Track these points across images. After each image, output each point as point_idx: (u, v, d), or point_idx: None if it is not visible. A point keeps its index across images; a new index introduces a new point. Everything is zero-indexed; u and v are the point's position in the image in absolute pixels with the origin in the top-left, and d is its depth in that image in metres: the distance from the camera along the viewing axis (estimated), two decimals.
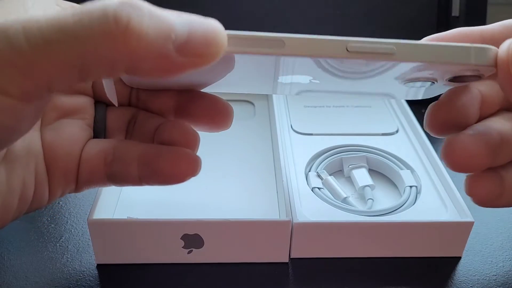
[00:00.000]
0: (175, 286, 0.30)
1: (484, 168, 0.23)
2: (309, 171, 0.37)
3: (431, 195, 0.35)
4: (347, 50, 0.18)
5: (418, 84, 0.21)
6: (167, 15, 0.17)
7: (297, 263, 0.32)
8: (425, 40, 0.24)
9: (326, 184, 0.36)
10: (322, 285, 0.30)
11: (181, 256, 0.31)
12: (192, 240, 0.30)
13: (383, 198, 0.36)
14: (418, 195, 0.35)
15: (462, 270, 0.32)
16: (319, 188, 0.35)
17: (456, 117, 0.23)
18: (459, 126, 0.23)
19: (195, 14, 0.18)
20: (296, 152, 0.38)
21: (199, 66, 0.17)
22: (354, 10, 0.52)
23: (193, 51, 0.17)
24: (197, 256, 0.31)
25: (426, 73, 0.20)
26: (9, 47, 0.15)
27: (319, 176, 0.36)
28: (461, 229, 0.31)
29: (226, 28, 0.18)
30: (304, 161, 0.37)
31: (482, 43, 0.21)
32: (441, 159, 0.23)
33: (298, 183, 0.35)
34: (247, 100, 0.48)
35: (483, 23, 0.51)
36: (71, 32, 0.15)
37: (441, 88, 0.23)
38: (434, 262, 0.32)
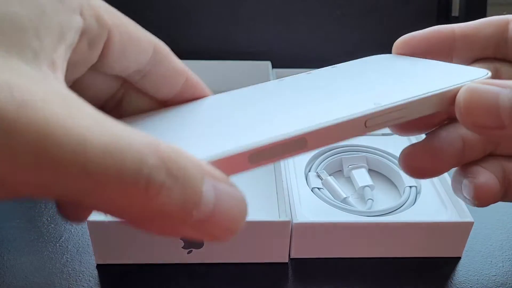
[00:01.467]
0: (175, 286, 0.30)
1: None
2: (309, 171, 0.37)
3: (430, 195, 0.35)
4: (366, 126, 0.17)
5: None
6: (195, 172, 0.13)
7: (297, 263, 0.32)
8: (401, 41, 0.24)
9: (325, 184, 0.36)
10: (322, 285, 0.30)
11: (181, 256, 0.31)
12: (192, 240, 0.30)
13: (383, 198, 0.36)
14: (418, 195, 0.35)
15: (462, 270, 0.32)
16: (318, 188, 0.35)
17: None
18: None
19: (224, 178, 0.14)
20: None
21: (208, 241, 0.14)
22: (353, 10, 0.52)
23: (209, 231, 0.13)
24: (197, 256, 0.31)
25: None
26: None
27: (318, 176, 0.36)
28: (461, 229, 0.31)
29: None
30: (303, 161, 0.37)
31: (453, 40, 0.22)
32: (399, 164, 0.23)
33: (298, 184, 0.35)
34: None
35: None
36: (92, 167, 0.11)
37: None
38: (434, 262, 0.32)
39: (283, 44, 0.52)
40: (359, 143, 0.39)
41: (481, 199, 0.21)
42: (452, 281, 0.31)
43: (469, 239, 0.32)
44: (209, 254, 0.31)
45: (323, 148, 0.39)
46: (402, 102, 0.17)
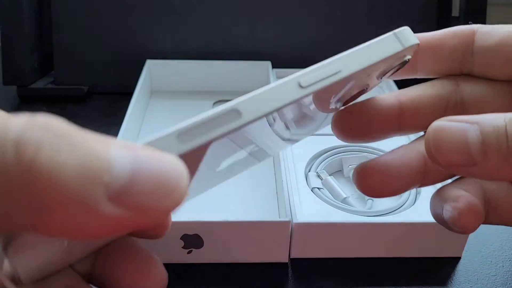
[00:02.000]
0: (174, 286, 0.30)
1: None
2: (309, 171, 0.37)
3: (430, 195, 0.34)
4: (301, 86, 0.16)
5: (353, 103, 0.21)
6: (100, 145, 0.11)
7: (297, 263, 0.32)
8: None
9: (326, 184, 0.36)
10: (322, 285, 0.30)
11: (181, 256, 0.31)
12: (192, 240, 0.30)
13: (383, 199, 0.36)
14: (418, 195, 0.35)
15: (462, 270, 0.32)
16: (318, 188, 0.35)
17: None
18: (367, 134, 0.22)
19: (150, 147, 0.13)
20: (296, 152, 0.38)
21: (143, 225, 0.12)
22: (353, 10, 0.52)
23: (134, 202, 0.11)
24: (197, 256, 0.31)
25: (362, 81, 0.20)
26: None
27: (319, 176, 0.36)
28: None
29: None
30: (303, 161, 0.37)
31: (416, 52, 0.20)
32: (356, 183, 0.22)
33: (297, 183, 0.35)
34: None
35: (483, 23, 0.51)
36: None
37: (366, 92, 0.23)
38: (433, 262, 0.32)
39: (283, 44, 0.52)
40: (360, 143, 0.39)
41: (466, 226, 0.19)
42: (452, 281, 0.31)
43: (469, 239, 0.32)
44: (209, 254, 0.31)
45: (323, 148, 0.39)
46: (334, 58, 0.18)
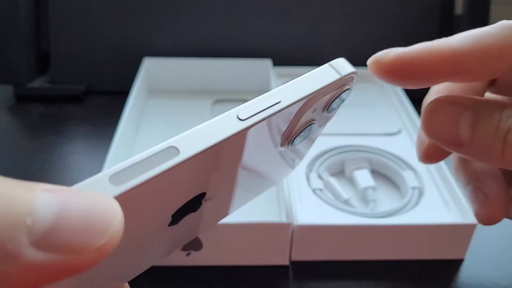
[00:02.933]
0: None
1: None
2: (310, 171, 0.36)
3: (433, 196, 0.34)
4: (239, 119, 0.16)
5: (301, 137, 0.20)
6: (24, 189, 0.11)
7: (298, 265, 0.31)
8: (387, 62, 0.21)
9: (327, 185, 0.35)
10: None
11: (180, 258, 0.30)
12: (191, 242, 0.30)
13: (385, 200, 0.35)
14: (420, 196, 0.34)
15: (465, 273, 0.31)
16: (320, 189, 0.34)
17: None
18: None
19: (78, 189, 0.12)
20: None
21: (76, 268, 0.11)
22: (356, 9, 0.51)
23: (62, 244, 0.10)
24: (196, 259, 0.31)
25: (307, 115, 0.19)
26: None
27: (320, 177, 0.36)
28: (464, 231, 0.31)
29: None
30: (305, 162, 0.37)
31: (455, 62, 0.19)
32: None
33: (298, 184, 0.34)
34: (247, 100, 0.48)
35: (486, 22, 0.50)
36: None
37: (318, 130, 0.22)
38: (436, 264, 0.32)
39: (284, 41, 0.51)
40: (361, 144, 0.39)
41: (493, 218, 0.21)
42: (455, 284, 0.31)
43: (472, 241, 0.32)
44: (208, 256, 0.30)
45: (324, 148, 0.38)
46: (274, 90, 0.17)
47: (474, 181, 0.21)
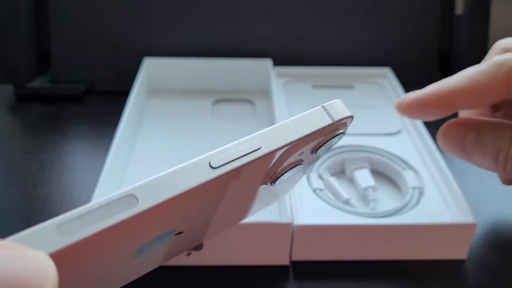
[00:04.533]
0: None
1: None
2: (311, 171, 0.36)
3: (434, 196, 0.34)
4: (211, 166, 0.15)
5: (285, 176, 0.19)
6: None
7: (298, 266, 0.31)
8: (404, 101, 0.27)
9: (327, 185, 0.35)
10: None
11: (180, 258, 0.30)
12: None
13: (386, 200, 0.35)
14: (421, 196, 0.34)
15: (466, 273, 0.31)
16: (320, 189, 0.34)
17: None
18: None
19: (17, 242, 0.11)
20: None
21: None
22: (356, 8, 0.51)
23: None
24: (196, 259, 0.30)
25: (293, 156, 0.18)
26: None
27: (320, 177, 0.36)
28: (465, 231, 0.31)
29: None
30: None
31: (454, 100, 0.25)
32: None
33: (299, 184, 0.34)
34: (247, 99, 0.48)
35: (487, 22, 0.50)
36: None
37: (306, 167, 0.21)
38: (437, 264, 0.32)
39: (284, 41, 0.51)
40: (362, 143, 0.39)
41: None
42: (456, 284, 0.31)
43: (473, 241, 0.32)
44: (209, 256, 0.30)
45: None
46: (256, 133, 0.16)
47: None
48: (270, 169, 0.18)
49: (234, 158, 0.15)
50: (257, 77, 0.49)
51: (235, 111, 0.47)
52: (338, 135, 0.18)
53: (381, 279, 0.31)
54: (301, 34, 0.52)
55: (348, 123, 0.18)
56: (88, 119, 0.47)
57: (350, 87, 0.48)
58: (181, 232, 0.18)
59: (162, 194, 0.13)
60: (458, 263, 0.32)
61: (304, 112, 0.17)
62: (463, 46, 0.51)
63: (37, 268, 0.10)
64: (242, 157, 0.15)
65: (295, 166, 0.18)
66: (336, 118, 0.17)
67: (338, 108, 0.17)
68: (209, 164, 0.15)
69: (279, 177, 0.18)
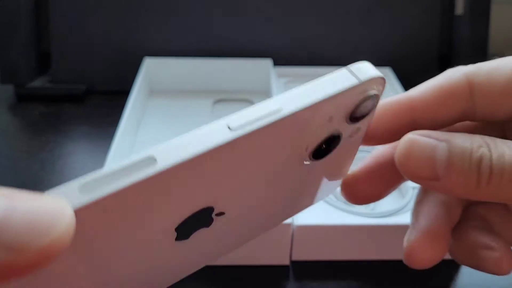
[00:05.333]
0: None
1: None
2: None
3: None
4: (229, 128, 0.14)
5: (323, 153, 0.18)
6: None
7: (298, 266, 0.31)
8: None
9: None
10: None
11: None
12: None
13: (386, 200, 0.35)
14: None
15: (466, 273, 0.31)
16: None
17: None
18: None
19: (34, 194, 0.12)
20: None
21: (19, 269, 0.11)
22: (356, 8, 0.51)
23: (5, 242, 0.11)
24: None
25: (325, 125, 0.17)
26: None
27: None
28: None
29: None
30: None
31: (412, 113, 0.20)
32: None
33: None
34: (247, 100, 0.48)
35: (487, 22, 0.50)
36: None
37: (352, 141, 0.19)
38: (437, 264, 0.32)
39: (285, 41, 0.51)
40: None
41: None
42: (455, 284, 0.31)
43: None
44: None
45: None
46: (276, 96, 0.15)
47: (414, 217, 0.21)
48: (301, 139, 0.17)
49: (253, 119, 0.15)
50: (258, 77, 0.49)
51: (235, 111, 0.46)
52: (370, 98, 0.17)
53: (381, 279, 0.31)
54: (301, 34, 0.52)
55: (381, 86, 0.17)
56: (88, 119, 0.47)
57: None
58: (223, 213, 0.17)
59: (180, 155, 0.13)
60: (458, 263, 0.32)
61: (328, 74, 0.16)
62: (463, 46, 0.51)
63: (52, 207, 0.11)
64: (262, 119, 0.15)
65: (333, 139, 0.18)
66: (363, 78, 0.16)
67: (365, 69, 0.17)
68: (228, 126, 0.14)
69: (317, 150, 0.17)
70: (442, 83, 0.20)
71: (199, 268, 0.20)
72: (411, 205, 0.33)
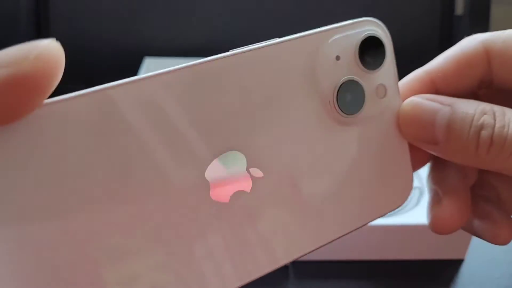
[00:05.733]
0: None
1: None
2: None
3: None
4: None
5: (344, 102, 0.17)
6: None
7: (298, 265, 0.31)
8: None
9: None
10: (322, 287, 0.30)
11: None
12: None
13: None
14: (420, 196, 0.34)
15: (465, 273, 0.31)
16: None
17: None
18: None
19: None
20: None
21: (25, 79, 0.12)
22: (355, 9, 0.51)
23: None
24: None
25: (334, 65, 0.17)
26: None
27: None
28: (464, 231, 0.31)
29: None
30: None
31: (434, 86, 0.19)
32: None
33: None
34: None
35: (487, 22, 0.50)
36: None
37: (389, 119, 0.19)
38: (436, 264, 0.32)
39: None
40: None
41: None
42: (456, 284, 0.31)
43: (472, 241, 0.32)
44: None
45: None
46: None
47: (435, 185, 0.21)
48: (312, 76, 0.17)
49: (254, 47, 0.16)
50: None
51: None
52: (370, 38, 0.18)
53: (381, 279, 0.31)
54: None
55: (376, 27, 0.18)
56: None
57: None
58: (263, 179, 0.15)
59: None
60: (458, 262, 0.32)
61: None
62: None
63: (46, 43, 0.13)
64: (260, 44, 0.16)
65: (352, 86, 0.18)
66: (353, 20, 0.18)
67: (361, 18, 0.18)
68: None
69: (342, 100, 0.17)
70: (459, 53, 0.20)
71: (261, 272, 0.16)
72: (411, 205, 0.33)
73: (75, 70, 0.51)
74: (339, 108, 0.17)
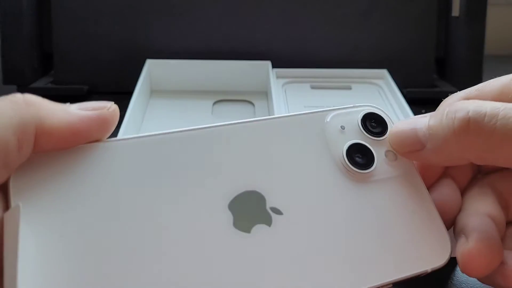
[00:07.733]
0: None
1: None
2: None
3: None
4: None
5: (353, 162, 0.20)
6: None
7: None
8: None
9: None
10: None
11: None
12: None
13: None
14: None
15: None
16: None
17: None
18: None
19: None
20: None
21: (105, 120, 0.20)
22: (353, 10, 0.52)
23: (89, 107, 0.20)
24: None
25: (340, 134, 0.21)
26: None
27: None
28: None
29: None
30: None
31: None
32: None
33: None
34: (247, 100, 0.48)
35: (483, 23, 0.51)
36: None
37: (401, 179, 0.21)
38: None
39: (283, 43, 0.52)
40: None
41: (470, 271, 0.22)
42: (453, 281, 0.31)
43: None
44: None
45: None
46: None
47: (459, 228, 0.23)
48: (321, 145, 0.21)
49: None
50: (257, 78, 0.49)
51: (235, 111, 0.47)
52: (368, 114, 0.22)
53: None
54: (300, 37, 0.52)
55: (377, 107, 0.23)
56: None
57: (348, 88, 0.48)
58: (280, 212, 0.17)
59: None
60: (454, 260, 0.32)
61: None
62: (459, 47, 0.52)
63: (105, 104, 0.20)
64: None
65: (362, 149, 0.21)
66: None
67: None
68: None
69: (352, 158, 0.21)
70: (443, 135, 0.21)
71: None
72: None
73: (77, 71, 0.51)
74: (350, 163, 0.20)
